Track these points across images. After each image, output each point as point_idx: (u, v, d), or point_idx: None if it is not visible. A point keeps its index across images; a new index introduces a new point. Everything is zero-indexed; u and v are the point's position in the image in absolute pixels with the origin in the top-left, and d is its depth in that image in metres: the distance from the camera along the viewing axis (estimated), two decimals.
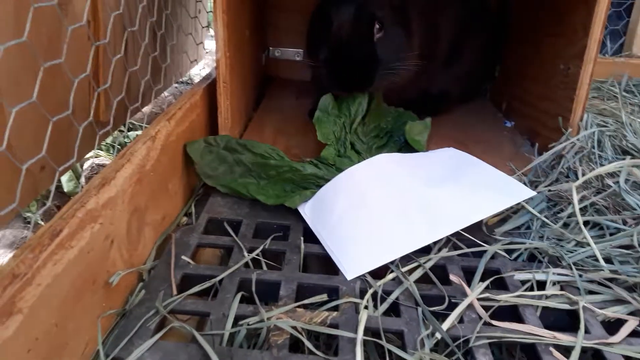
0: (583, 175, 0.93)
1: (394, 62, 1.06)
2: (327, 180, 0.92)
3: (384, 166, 0.92)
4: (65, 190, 1.25)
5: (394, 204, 0.83)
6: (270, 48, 1.66)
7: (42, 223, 1.04)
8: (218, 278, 0.71)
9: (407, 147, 1.05)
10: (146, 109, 1.53)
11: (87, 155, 1.30)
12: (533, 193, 0.84)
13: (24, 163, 0.68)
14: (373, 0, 1.04)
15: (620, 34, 1.98)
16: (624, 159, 0.99)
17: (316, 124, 1.05)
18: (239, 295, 0.67)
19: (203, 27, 1.70)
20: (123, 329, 0.62)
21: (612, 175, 0.94)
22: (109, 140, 1.39)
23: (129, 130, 1.48)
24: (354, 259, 0.76)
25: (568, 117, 1.07)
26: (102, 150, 1.36)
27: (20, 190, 0.67)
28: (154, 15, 1.18)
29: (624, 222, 0.85)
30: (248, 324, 0.62)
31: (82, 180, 1.20)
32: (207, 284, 0.70)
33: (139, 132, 1.44)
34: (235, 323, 0.63)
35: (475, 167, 0.95)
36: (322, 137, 1.03)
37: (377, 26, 1.04)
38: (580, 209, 0.85)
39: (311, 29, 1.19)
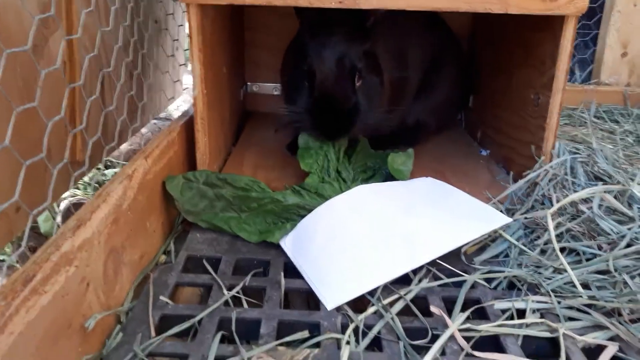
0: (557, 202, 0.94)
1: (371, 108, 1.11)
2: (309, 210, 0.92)
3: (363, 196, 0.93)
4: (42, 230, 1.23)
5: (373, 233, 0.84)
6: (249, 83, 1.68)
7: (19, 266, 1.02)
8: (197, 318, 0.70)
9: (391, 178, 1.07)
10: (124, 147, 1.52)
11: (64, 195, 1.28)
12: (509, 219, 0.87)
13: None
14: (351, 50, 1.07)
15: (589, 62, 2.05)
16: (596, 184, 1.01)
17: (299, 157, 1.08)
18: (218, 335, 0.66)
19: (181, 65, 1.71)
20: None
21: (586, 201, 0.95)
22: (85, 178, 1.37)
23: (106, 168, 1.47)
24: (334, 289, 0.75)
25: (541, 145, 1.09)
26: (79, 189, 1.35)
27: None
28: (129, 55, 1.19)
29: (599, 247, 0.86)
30: None
31: (59, 219, 1.18)
32: (186, 325, 0.69)
33: (117, 170, 1.44)
34: None
35: (453, 196, 0.97)
36: (305, 166, 1.07)
37: (356, 76, 1.08)
38: (557, 236, 0.86)
39: (289, 74, 1.21)
